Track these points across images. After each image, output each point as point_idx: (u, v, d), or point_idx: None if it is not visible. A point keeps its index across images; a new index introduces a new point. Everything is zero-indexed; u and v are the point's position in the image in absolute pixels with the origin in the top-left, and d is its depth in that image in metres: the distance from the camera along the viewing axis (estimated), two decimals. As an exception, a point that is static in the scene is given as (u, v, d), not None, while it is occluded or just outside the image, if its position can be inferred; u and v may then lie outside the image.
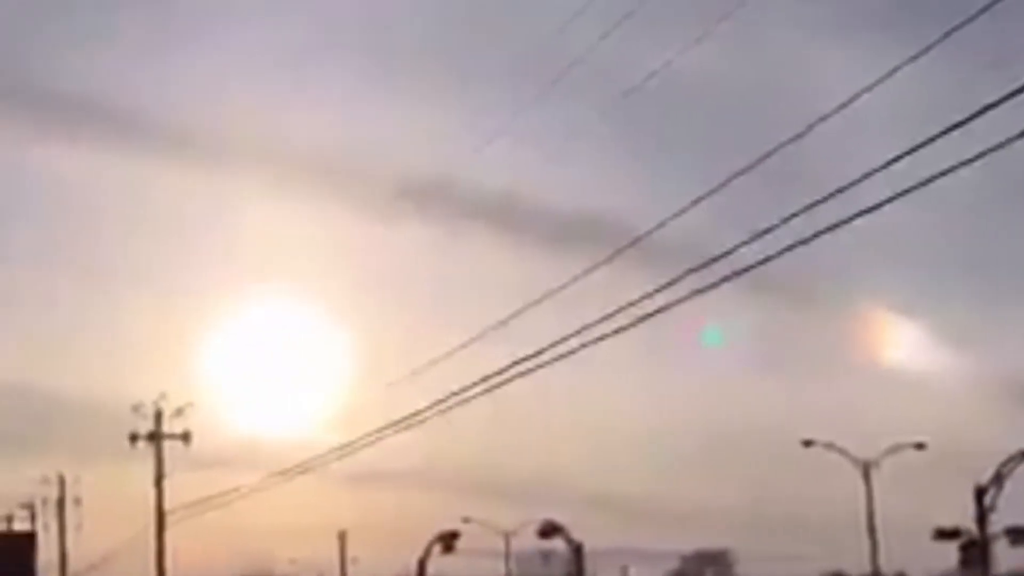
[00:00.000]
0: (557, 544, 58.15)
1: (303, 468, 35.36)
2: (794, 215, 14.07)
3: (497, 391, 21.66)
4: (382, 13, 74.24)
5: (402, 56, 75.96)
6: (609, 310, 18.61)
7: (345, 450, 31.00)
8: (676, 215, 18.19)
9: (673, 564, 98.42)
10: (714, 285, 16.56)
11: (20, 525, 61.77)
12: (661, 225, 18.63)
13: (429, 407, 24.45)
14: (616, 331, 19.00)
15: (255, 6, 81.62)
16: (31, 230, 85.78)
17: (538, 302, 21.15)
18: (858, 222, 13.42)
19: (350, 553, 75.18)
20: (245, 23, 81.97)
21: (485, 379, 21.41)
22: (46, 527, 60.36)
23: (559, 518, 54.72)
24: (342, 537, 74.52)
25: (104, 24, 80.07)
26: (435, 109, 65.50)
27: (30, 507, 61.21)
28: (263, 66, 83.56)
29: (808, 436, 50.78)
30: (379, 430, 27.58)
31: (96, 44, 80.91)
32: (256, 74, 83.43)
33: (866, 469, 49.84)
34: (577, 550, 54.96)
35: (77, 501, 59.34)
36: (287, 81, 79.96)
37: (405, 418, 25.72)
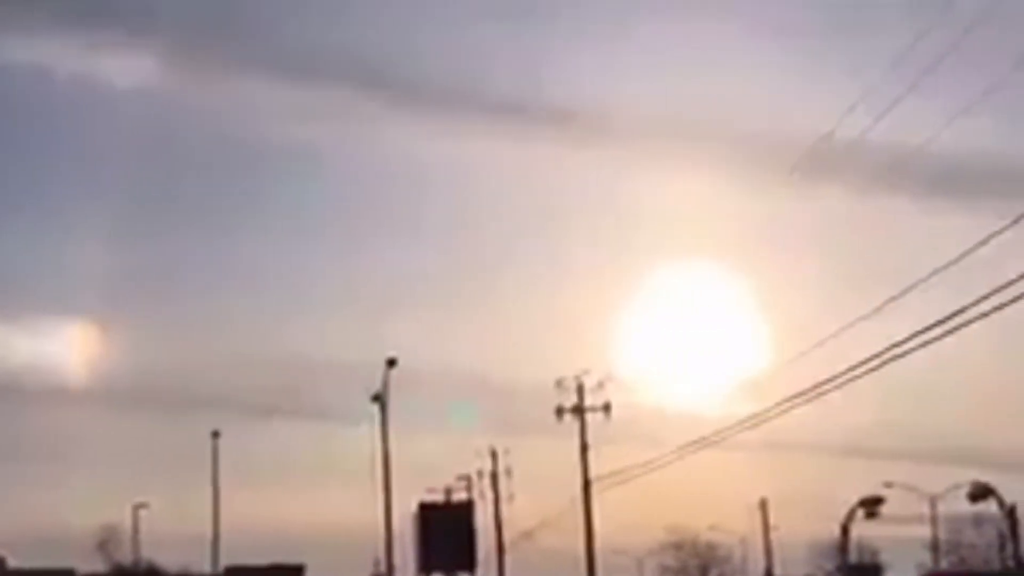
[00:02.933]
0: (989, 507, 55.84)
1: (716, 439, 35.86)
2: None
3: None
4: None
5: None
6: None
7: (755, 420, 31.28)
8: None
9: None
10: None
11: (457, 496, 65.78)
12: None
13: (841, 374, 24.28)
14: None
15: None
16: (438, 223, 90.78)
17: (947, 267, 20.73)
18: None
19: (769, 521, 75.22)
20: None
21: (894, 346, 21.21)
22: (482, 495, 64.07)
23: (989, 480, 52.52)
24: (763, 505, 74.61)
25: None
26: (823, 74, 64.46)
27: (467, 479, 65.07)
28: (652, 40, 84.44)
29: None
30: (788, 399, 27.73)
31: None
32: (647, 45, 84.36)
33: None
34: (1011, 512, 52.57)
35: (508, 472, 62.59)
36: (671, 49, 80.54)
37: (815, 386, 25.73)
